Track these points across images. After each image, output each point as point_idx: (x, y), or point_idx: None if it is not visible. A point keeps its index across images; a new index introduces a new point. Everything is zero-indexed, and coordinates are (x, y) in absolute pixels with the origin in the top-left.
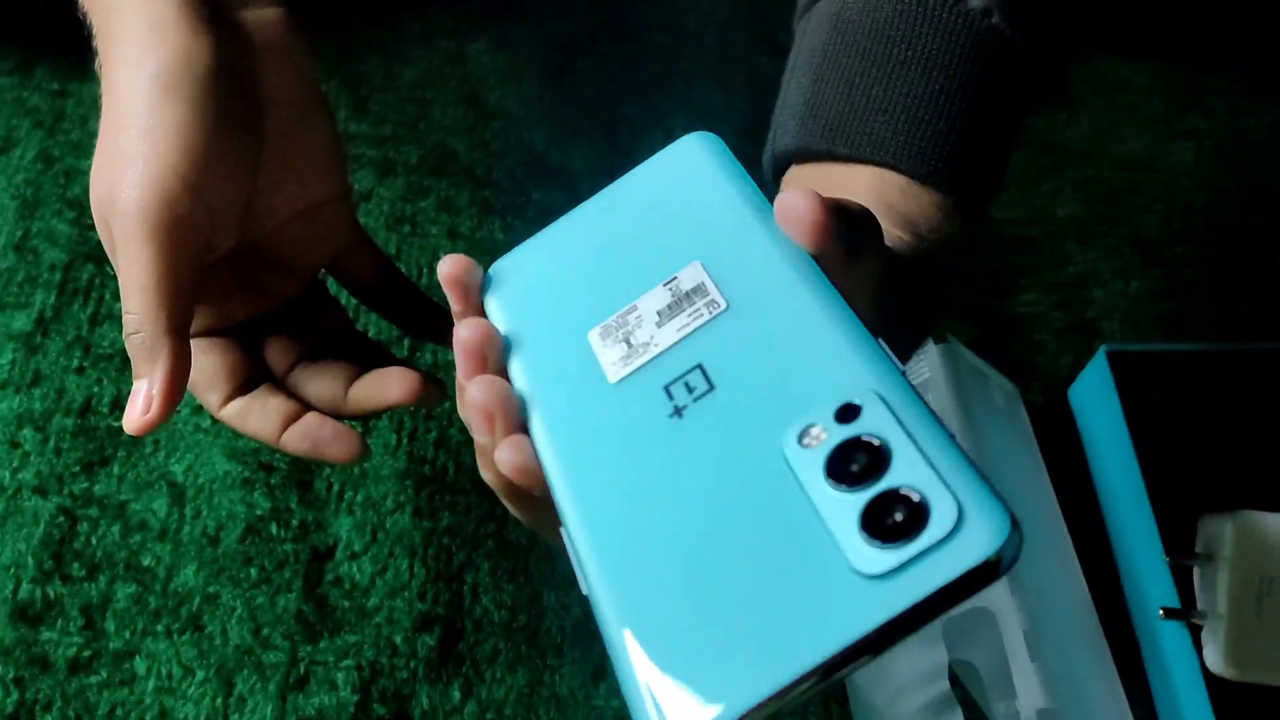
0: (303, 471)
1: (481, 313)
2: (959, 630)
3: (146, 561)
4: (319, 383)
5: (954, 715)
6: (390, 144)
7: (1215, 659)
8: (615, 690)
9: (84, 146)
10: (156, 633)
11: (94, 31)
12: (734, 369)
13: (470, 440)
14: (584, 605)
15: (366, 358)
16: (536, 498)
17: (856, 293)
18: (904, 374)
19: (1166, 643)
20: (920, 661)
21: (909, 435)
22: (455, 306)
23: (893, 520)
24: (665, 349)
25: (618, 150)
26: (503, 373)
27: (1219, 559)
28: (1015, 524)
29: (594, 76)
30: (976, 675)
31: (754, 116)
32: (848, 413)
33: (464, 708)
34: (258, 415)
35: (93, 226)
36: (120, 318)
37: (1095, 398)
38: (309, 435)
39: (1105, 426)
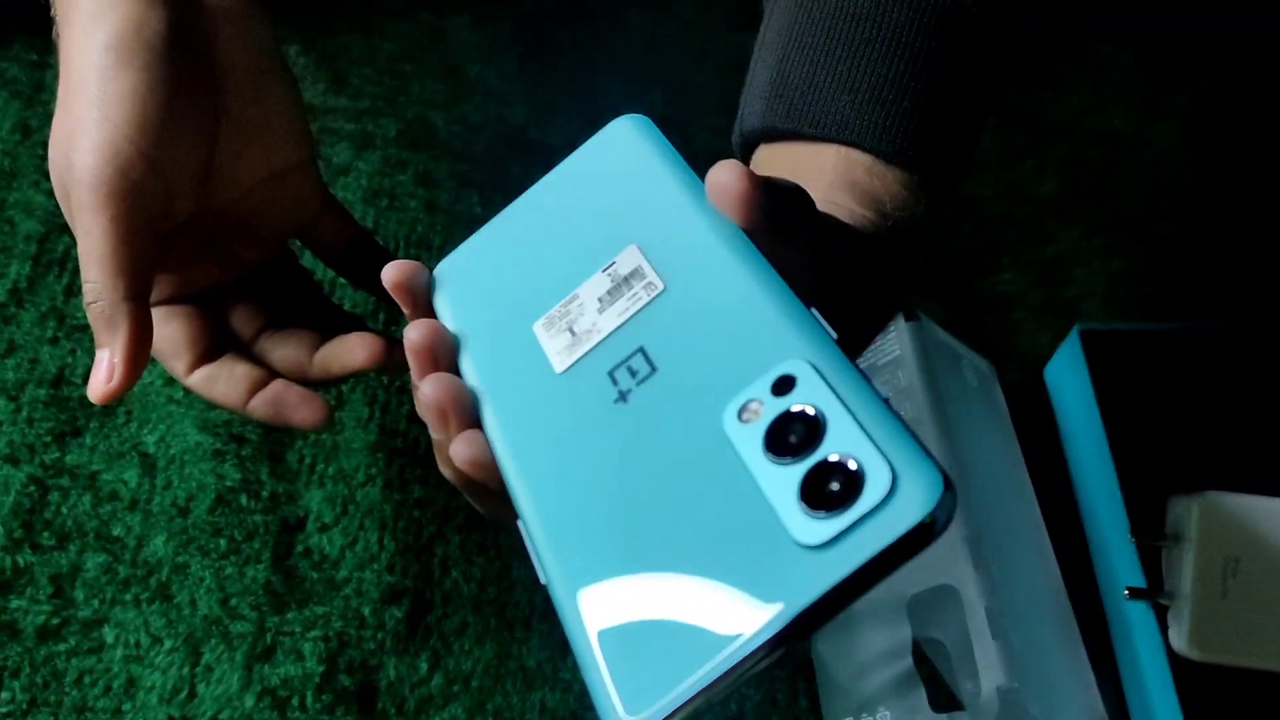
0: (274, 444)
1: (431, 314)
2: (924, 607)
3: (116, 531)
4: (284, 349)
5: (918, 692)
6: (368, 117)
7: (1180, 639)
8: None
9: None
10: (125, 602)
11: (52, 1)
12: (674, 349)
13: None
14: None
15: (336, 327)
16: (495, 491)
17: (789, 269)
18: (837, 342)
19: (1133, 623)
20: (885, 638)
21: (843, 403)
22: (405, 310)
23: (830, 489)
24: (607, 335)
25: (596, 125)
26: (455, 370)
27: (1185, 539)
28: (948, 485)
29: (573, 52)
30: (942, 652)
31: (733, 92)
32: (783, 385)
33: (431, 679)
34: (224, 382)
35: None
36: None
37: (1069, 377)
38: (274, 401)
39: (1078, 406)
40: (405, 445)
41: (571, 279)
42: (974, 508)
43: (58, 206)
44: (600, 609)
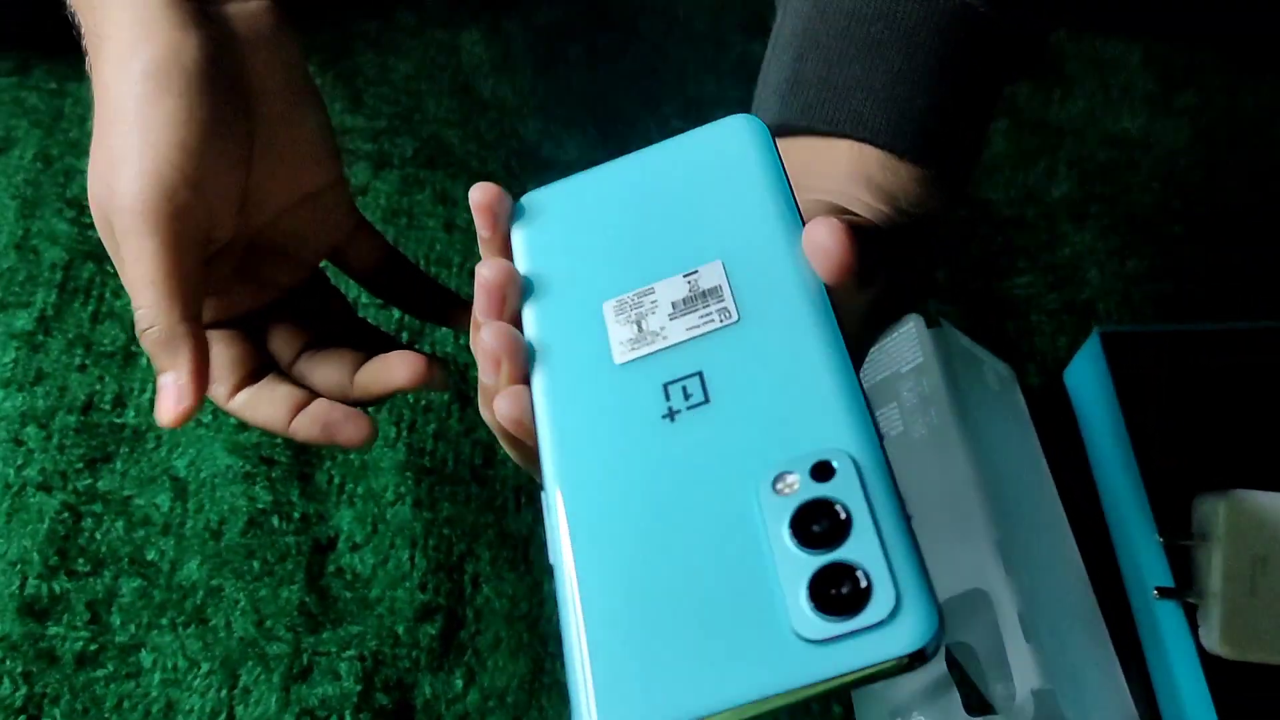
0: (304, 465)
1: (508, 243)
2: (955, 612)
3: (150, 556)
4: (325, 370)
5: (952, 696)
6: (385, 137)
7: (1210, 638)
8: None
9: (82, 145)
10: (161, 626)
11: (83, 31)
12: (731, 387)
13: (469, 430)
14: None
15: (371, 345)
16: (529, 447)
17: (854, 313)
18: (882, 443)
19: (1162, 622)
20: None
21: (871, 510)
22: (483, 232)
23: (837, 593)
24: (672, 345)
25: (610, 140)
26: (518, 315)
27: (1213, 538)
28: (942, 623)
29: (585, 66)
30: (973, 657)
31: (745, 102)
32: (823, 471)
33: (466, 696)
34: (266, 404)
35: (92, 225)
36: (122, 315)
37: (1090, 379)
38: (319, 420)
39: (1100, 407)
40: (433, 464)
41: (651, 270)
42: (1000, 511)
43: (81, 234)
44: (597, 618)
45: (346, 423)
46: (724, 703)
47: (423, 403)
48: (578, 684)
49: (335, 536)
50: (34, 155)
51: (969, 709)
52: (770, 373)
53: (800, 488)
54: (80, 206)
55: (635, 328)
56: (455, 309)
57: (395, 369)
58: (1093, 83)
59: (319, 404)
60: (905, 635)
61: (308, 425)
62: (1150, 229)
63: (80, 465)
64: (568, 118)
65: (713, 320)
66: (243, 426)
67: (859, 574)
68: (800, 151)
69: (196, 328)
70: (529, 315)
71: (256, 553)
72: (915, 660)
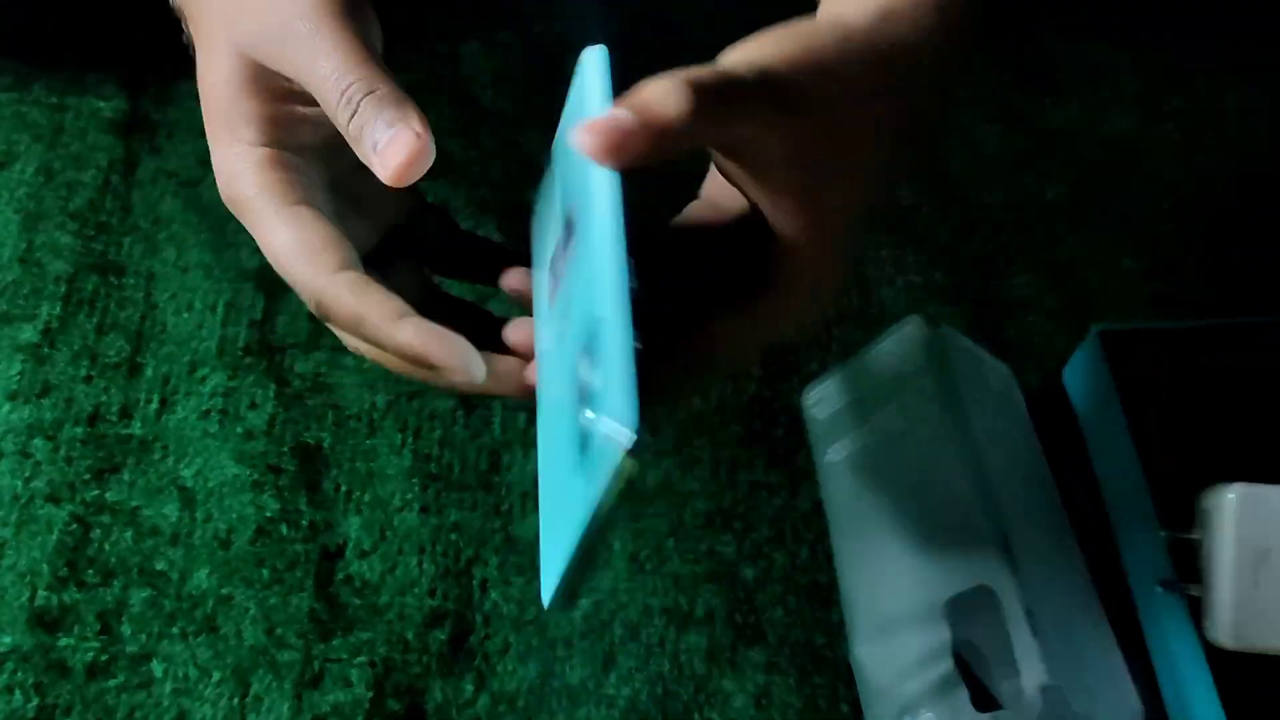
0: (310, 473)
1: None
2: (961, 609)
3: (160, 566)
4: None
5: (960, 693)
6: None
7: (1215, 629)
8: (626, 679)
9: (84, 159)
10: (172, 635)
11: None
12: (569, 291)
13: (475, 436)
14: (589, 595)
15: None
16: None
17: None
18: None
19: (1165, 615)
20: (924, 641)
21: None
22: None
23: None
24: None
25: None
26: None
27: (1216, 531)
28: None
29: None
30: (980, 653)
31: None
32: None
33: (476, 701)
34: (380, 290)
35: (95, 238)
36: (126, 326)
37: (1088, 377)
38: (431, 331)
39: (1099, 405)
40: (439, 470)
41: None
42: (1003, 510)
43: (85, 246)
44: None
45: (454, 343)
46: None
47: (428, 410)
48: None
49: (343, 544)
50: (35, 169)
51: (977, 705)
52: (581, 266)
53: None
54: (83, 219)
55: (550, 276)
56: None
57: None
58: (1084, 87)
59: (441, 328)
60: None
61: (410, 331)
62: (1144, 229)
63: (88, 476)
64: None
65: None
66: (249, 435)
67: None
68: None
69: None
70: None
71: (266, 561)
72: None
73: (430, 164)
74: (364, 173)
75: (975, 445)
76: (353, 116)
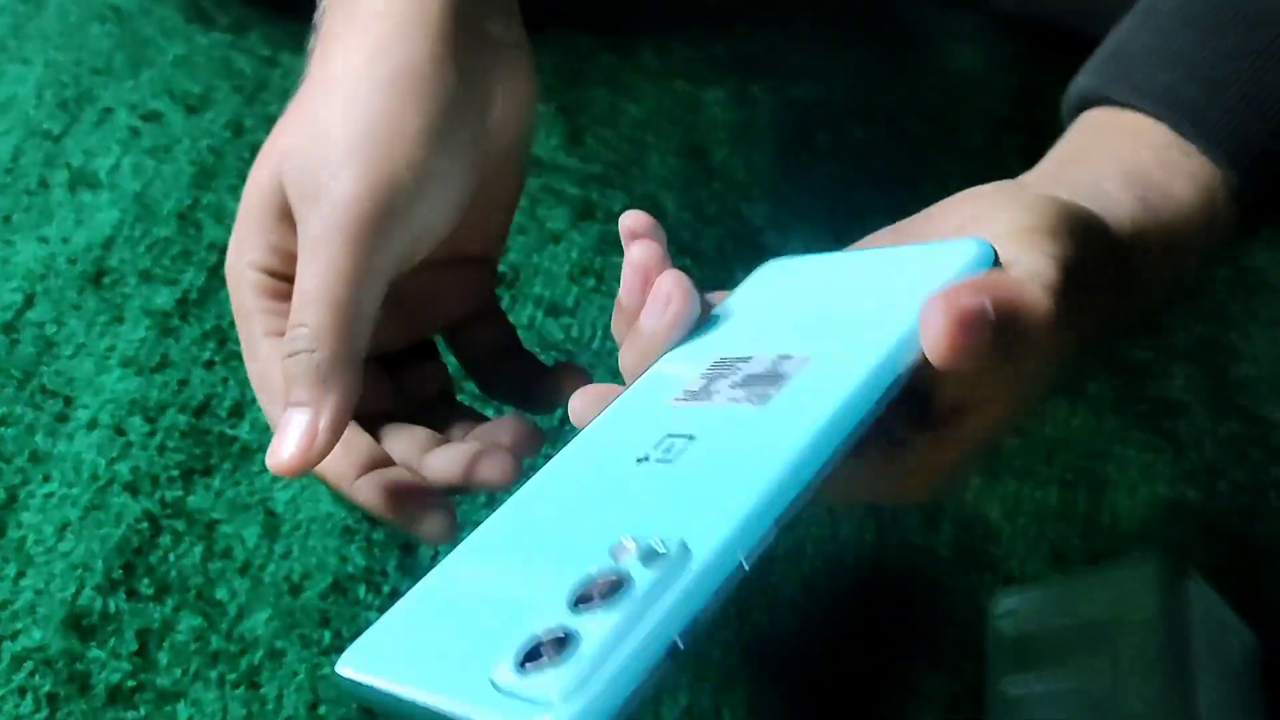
0: (409, 534)
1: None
2: None
3: (220, 594)
4: (394, 442)
5: None
6: (595, 185)
7: None
8: None
9: None
10: (209, 679)
11: (324, 7)
12: (693, 459)
13: None
14: None
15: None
16: None
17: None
18: (742, 570)
19: None
20: None
21: (644, 601)
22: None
23: (537, 650)
24: (707, 407)
25: (843, 240)
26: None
27: None
28: None
29: (834, 155)
30: None
31: None
32: (650, 554)
33: None
34: (339, 448)
35: None
36: None
37: None
38: (391, 489)
39: None
40: None
41: (769, 343)
42: None
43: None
44: (447, 574)
45: (426, 508)
46: (403, 690)
47: None
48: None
49: None
50: (225, 122)
51: None
52: (724, 462)
53: (626, 559)
54: None
55: (706, 384)
56: (567, 380)
57: (481, 463)
58: None
59: (396, 470)
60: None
61: (374, 491)
62: None
63: (176, 473)
64: (801, 208)
65: (748, 399)
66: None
67: (568, 643)
68: (1088, 134)
69: (358, 370)
70: (683, 344)
71: (332, 622)
72: None
73: (322, 458)
74: (414, 276)
75: None
76: (290, 356)
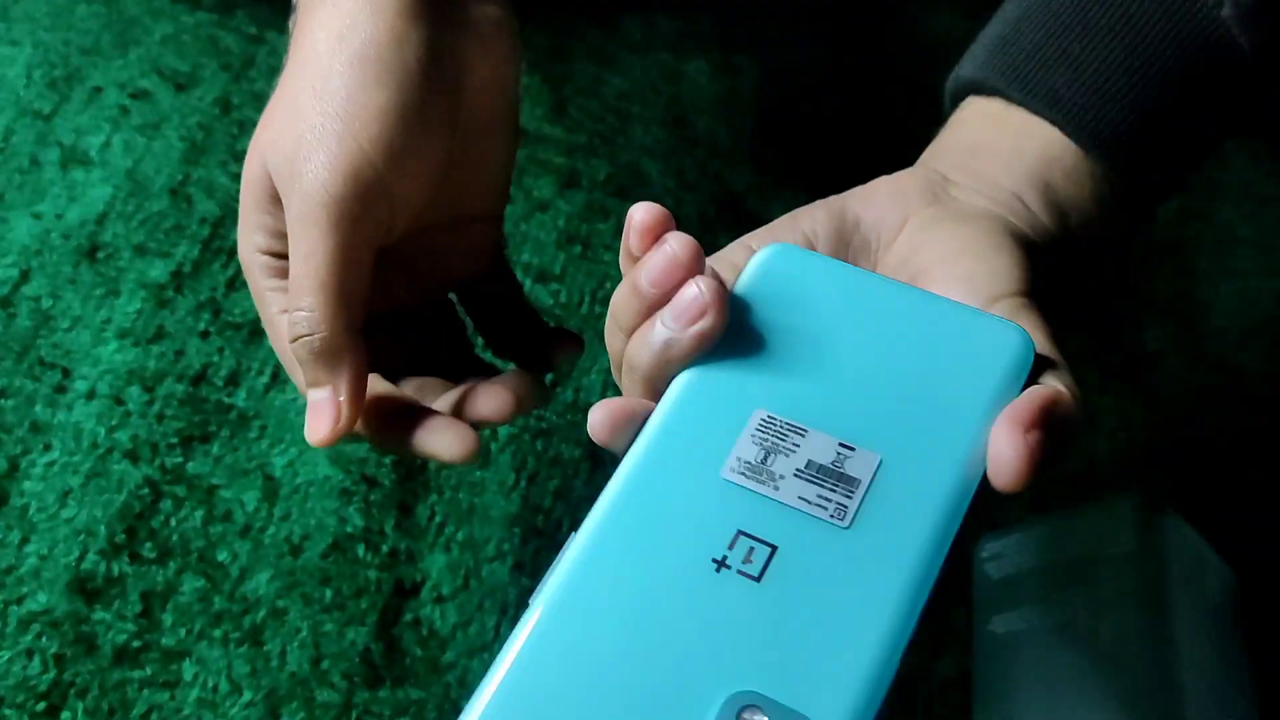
0: (406, 493)
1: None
2: None
3: (222, 556)
4: (410, 391)
5: None
6: (580, 154)
7: None
8: None
9: (265, 99)
10: (213, 637)
11: None
12: (787, 583)
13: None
14: None
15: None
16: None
17: None
18: None
19: None
20: None
21: None
22: (635, 252)
23: None
24: (776, 500)
25: None
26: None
27: None
28: None
29: (815, 122)
30: None
31: None
32: None
33: None
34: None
35: None
36: None
37: None
38: (407, 421)
39: None
40: (546, 525)
41: (822, 411)
42: None
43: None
44: (520, 686)
45: (445, 429)
46: None
47: (551, 453)
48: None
49: (421, 582)
50: (214, 99)
51: None
52: (829, 599)
53: None
54: None
55: (762, 456)
56: (562, 345)
57: (480, 401)
58: None
59: (407, 404)
60: None
61: (385, 426)
62: None
63: (174, 440)
64: (783, 175)
65: (826, 509)
66: (352, 436)
67: None
68: (990, 123)
69: (360, 340)
70: (697, 365)
71: (333, 580)
72: None
73: (351, 428)
74: (418, 238)
75: (1173, 662)
76: (295, 340)
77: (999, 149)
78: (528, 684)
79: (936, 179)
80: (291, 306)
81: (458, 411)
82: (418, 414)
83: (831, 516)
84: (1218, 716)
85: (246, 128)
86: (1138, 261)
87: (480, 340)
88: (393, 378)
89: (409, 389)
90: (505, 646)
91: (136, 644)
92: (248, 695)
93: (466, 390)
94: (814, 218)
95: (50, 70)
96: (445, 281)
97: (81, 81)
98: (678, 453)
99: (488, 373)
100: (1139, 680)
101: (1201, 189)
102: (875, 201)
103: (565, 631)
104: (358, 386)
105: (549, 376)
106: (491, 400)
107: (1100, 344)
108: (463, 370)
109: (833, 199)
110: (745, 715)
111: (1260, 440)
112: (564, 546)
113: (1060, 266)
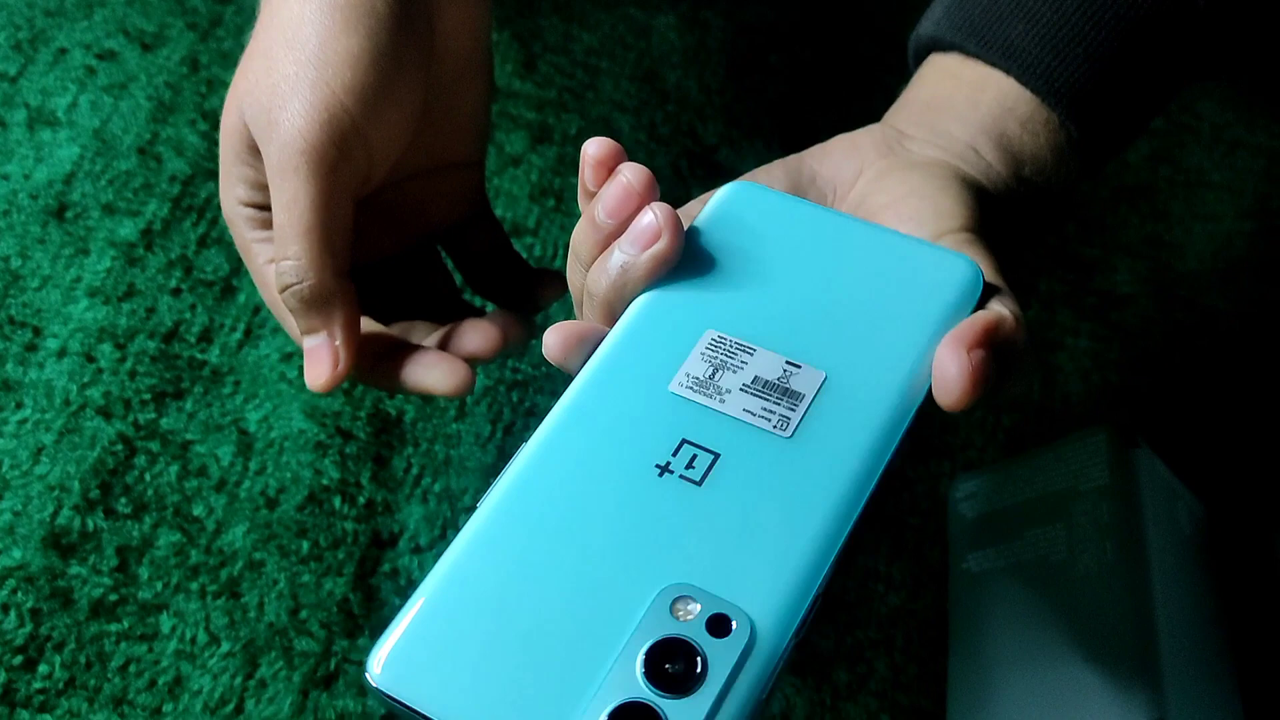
0: (382, 445)
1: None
2: None
3: (197, 511)
4: (400, 333)
5: None
6: (551, 109)
7: None
8: None
9: (233, 58)
10: (190, 590)
11: None
12: (726, 488)
13: None
14: None
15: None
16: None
17: None
18: (799, 632)
19: None
20: None
21: (726, 688)
22: (590, 186)
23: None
24: (721, 413)
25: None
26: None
27: None
28: None
29: (786, 75)
30: None
31: None
32: (718, 623)
33: None
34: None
35: None
36: (230, 244)
37: None
38: (399, 356)
39: None
40: None
41: (771, 332)
42: (1164, 676)
43: (209, 150)
44: (461, 577)
45: (438, 363)
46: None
47: (528, 404)
48: (393, 625)
49: (398, 533)
50: (181, 59)
51: None
52: (767, 504)
53: (691, 621)
54: (215, 121)
55: (710, 371)
56: (546, 285)
57: (467, 338)
58: None
59: (402, 344)
60: None
61: (377, 363)
62: None
63: (147, 396)
64: (753, 127)
65: (770, 420)
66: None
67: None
68: (948, 78)
69: (349, 284)
70: (653, 289)
71: (309, 533)
72: None
73: (350, 370)
74: (400, 186)
75: (1146, 595)
76: (284, 290)
77: (955, 102)
78: (466, 579)
79: (893, 135)
80: (278, 256)
81: (445, 349)
82: (408, 350)
83: (774, 428)
84: (1191, 647)
85: (215, 86)
86: (1109, 204)
87: (469, 289)
88: (381, 323)
89: (396, 331)
90: (448, 547)
91: (113, 597)
92: (226, 646)
93: (453, 328)
94: (771, 175)
95: (15, 32)
96: (429, 229)
97: (47, 43)
98: (628, 368)
99: (475, 316)
100: (1114, 613)
101: (1173, 134)
102: (831, 158)
103: (506, 530)
104: (352, 329)
105: (539, 318)
106: (478, 337)
107: (1074, 286)
108: (450, 315)
109: (790, 158)
110: (679, 604)
111: (1229, 377)
112: (514, 456)
113: (1017, 212)
